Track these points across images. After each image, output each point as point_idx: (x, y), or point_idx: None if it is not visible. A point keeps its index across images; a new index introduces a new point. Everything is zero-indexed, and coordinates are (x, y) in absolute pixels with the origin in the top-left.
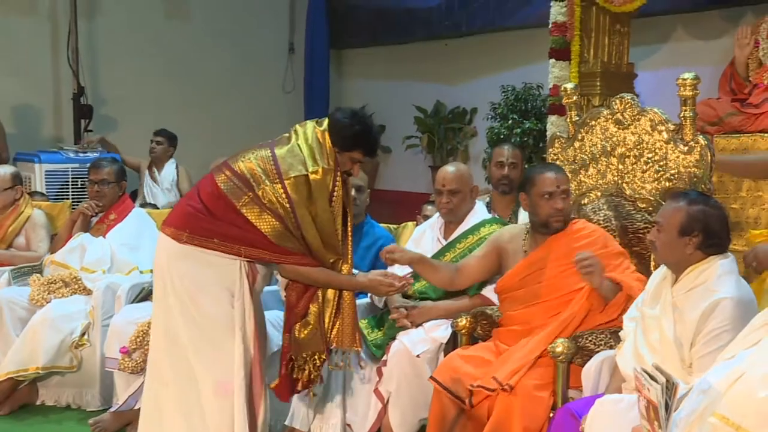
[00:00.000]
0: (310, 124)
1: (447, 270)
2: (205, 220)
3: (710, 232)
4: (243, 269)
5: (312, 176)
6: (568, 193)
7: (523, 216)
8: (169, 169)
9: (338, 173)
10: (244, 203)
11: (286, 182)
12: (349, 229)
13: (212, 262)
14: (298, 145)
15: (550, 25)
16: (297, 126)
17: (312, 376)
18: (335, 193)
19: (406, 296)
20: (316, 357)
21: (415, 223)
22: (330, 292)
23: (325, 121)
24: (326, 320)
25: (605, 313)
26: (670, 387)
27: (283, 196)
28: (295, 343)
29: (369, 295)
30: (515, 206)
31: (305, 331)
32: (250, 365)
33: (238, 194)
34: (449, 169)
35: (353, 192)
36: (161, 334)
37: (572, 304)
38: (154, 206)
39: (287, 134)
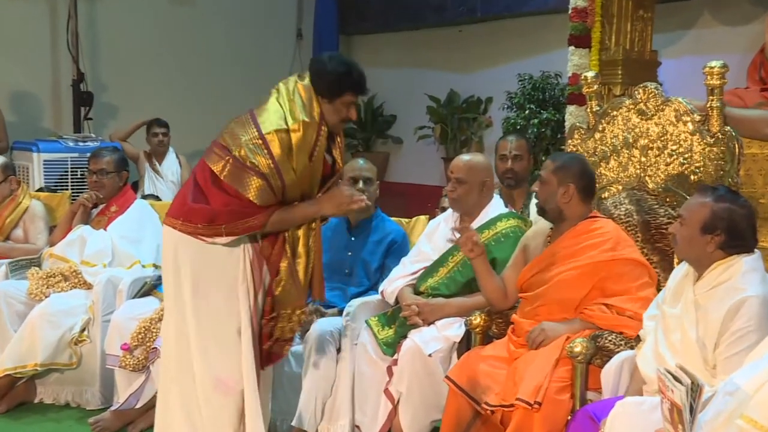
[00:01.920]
0: (292, 79)
1: (498, 280)
2: (191, 203)
3: (734, 233)
4: (246, 258)
5: (292, 131)
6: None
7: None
8: (171, 160)
9: (322, 127)
10: (227, 171)
11: (266, 137)
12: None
13: (211, 251)
14: (279, 103)
15: (569, 11)
16: (280, 83)
17: (287, 336)
18: (317, 148)
19: (417, 293)
20: (297, 312)
21: (427, 217)
22: (300, 246)
23: (307, 75)
24: (301, 275)
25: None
26: (695, 389)
27: (265, 152)
28: (275, 301)
29: (380, 291)
30: (526, 199)
31: (279, 288)
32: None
33: (219, 164)
34: (463, 157)
35: (361, 184)
36: (171, 330)
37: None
38: (157, 198)
39: (268, 96)
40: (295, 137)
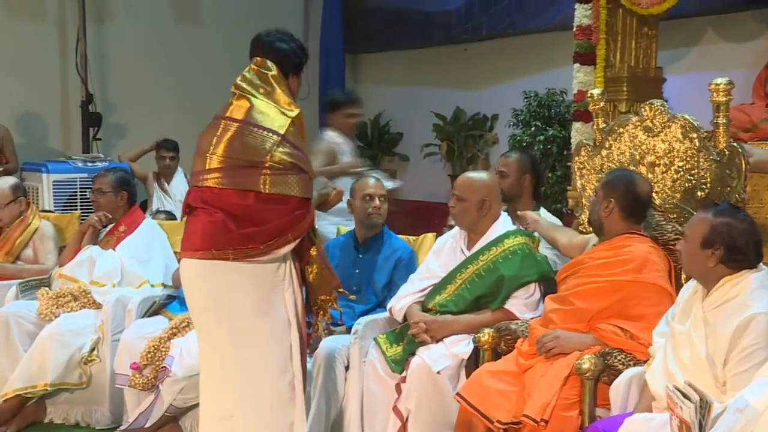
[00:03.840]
0: (252, 74)
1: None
2: (243, 230)
3: (733, 247)
4: (289, 263)
5: (296, 119)
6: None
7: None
8: (179, 180)
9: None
10: (268, 183)
11: (288, 136)
12: None
13: (244, 272)
14: (264, 100)
15: (574, 28)
16: (242, 85)
17: (327, 314)
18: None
19: (426, 310)
20: (332, 294)
21: (435, 234)
22: (317, 237)
23: (270, 63)
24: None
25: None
26: (703, 406)
27: (292, 147)
28: (313, 291)
29: (388, 308)
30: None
31: (312, 275)
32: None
33: (254, 180)
34: (467, 175)
35: (377, 201)
36: (218, 367)
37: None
38: (170, 213)
39: (234, 102)
40: (299, 123)
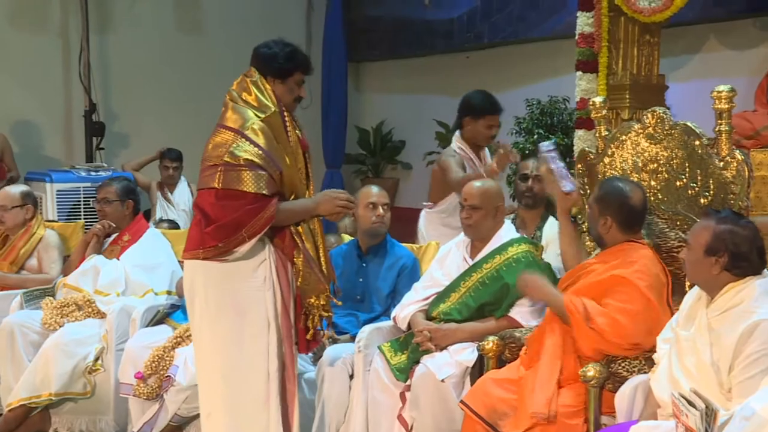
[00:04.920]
0: (235, 82)
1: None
2: (205, 230)
3: (737, 254)
4: (272, 268)
5: (267, 120)
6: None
7: (548, 232)
8: (182, 189)
9: (283, 109)
10: (221, 179)
11: (248, 133)
12: (310, 170)
13: (238, 270)
14: (240, 105)
15: (576, 36)
16: (231, 92)
17: (320, 320)
18: (289, 132)
19: (430, 318)
20: (321, 298)
21: (437, 243)
22: (306, 241)
23: (253, 70)
24: (322, 260)
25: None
26: (709, 413)
27: (250, 145)
28: (301, 293)
29: (392, 317)
30: (540, 222)
31: (299, 279)
32: (283, 361)
33: (211, 179)
34: (476, 183)
35: (380, 210)
36: (199, 365)
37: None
38: (172, 222)
39: (223, 109)
40: (271, 125)
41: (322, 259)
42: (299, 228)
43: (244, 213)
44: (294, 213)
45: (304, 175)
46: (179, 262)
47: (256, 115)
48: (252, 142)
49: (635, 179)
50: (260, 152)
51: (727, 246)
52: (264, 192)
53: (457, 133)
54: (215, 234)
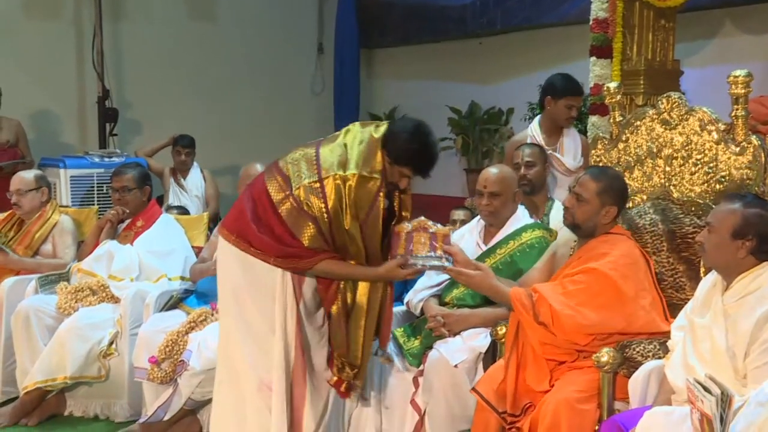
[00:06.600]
0: (368, 128)
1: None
2: (249, 224)
3: (765, 237)
4: (285, 273)
5: (347, 181)
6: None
7: (555, 218)
8: (195, 175)
9: (383, 186)
10: (286, 209)
11: (324, 181)
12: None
13: (254, 264)
14: (345, 145)
15: (590, 22)
16: (356, 124)
17: (350, 377)
18: (375, 206)
19: (443, 303)
20: (346, 367)
21: (449, 228)
22: (359, 296)
23: (383, 127)
24: (360, 343)
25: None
26: (724, 399)
27: (321, 196)
28: (330, 332)
29: (405, 302)
30: (547, 208)
31: (330, 322)
32: (292, 368)
33: (279, 195)
34: (492, 170)
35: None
36: (223, 335)
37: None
38: (182, 208)
39: (338, 132)
40: (348, 188)
41: (361, 342)
42: (356, 297)
43: (288, 252)
44: (342, 276)
45: (377, 247)
46: (192, 247)
47: (344, 166)
48: (323, 193)
49: (650, 165)
50: (323, 208)
51: (756, 229)
52: (310, 246)
53: (537, 118)
54: (257, 240)
